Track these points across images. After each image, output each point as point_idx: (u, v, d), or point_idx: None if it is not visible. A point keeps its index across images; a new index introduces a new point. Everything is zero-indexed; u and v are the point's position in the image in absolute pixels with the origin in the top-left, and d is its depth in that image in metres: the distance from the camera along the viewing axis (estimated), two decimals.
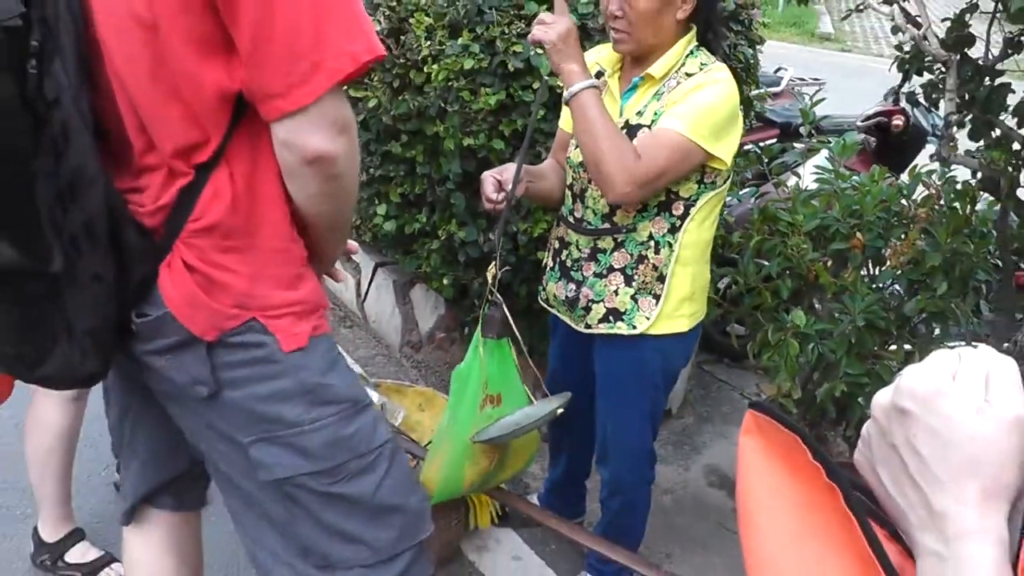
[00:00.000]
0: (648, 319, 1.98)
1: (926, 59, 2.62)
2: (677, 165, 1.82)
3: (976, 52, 2.54)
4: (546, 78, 2.07)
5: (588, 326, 2.05)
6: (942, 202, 2.43)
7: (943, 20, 2.61)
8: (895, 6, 2.64)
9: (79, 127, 1.18)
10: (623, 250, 1.97)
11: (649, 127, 1.88)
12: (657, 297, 1.98)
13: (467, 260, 2.88)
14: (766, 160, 2.93)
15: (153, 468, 1.64)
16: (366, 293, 3.77)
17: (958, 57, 2.48)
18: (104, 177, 1.23)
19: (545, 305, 2.20)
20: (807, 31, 13.88)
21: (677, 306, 2.00)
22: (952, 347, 0.60)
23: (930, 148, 3.54)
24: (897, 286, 2.45)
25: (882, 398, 0.61)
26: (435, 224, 2.93)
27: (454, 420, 1.98)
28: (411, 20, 2.65)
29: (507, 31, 2.51)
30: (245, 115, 1.24)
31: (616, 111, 1.96)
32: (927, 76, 2.70)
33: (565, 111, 2.12)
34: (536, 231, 2.67)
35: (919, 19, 2.58)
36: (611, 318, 2.01)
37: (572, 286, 2.05)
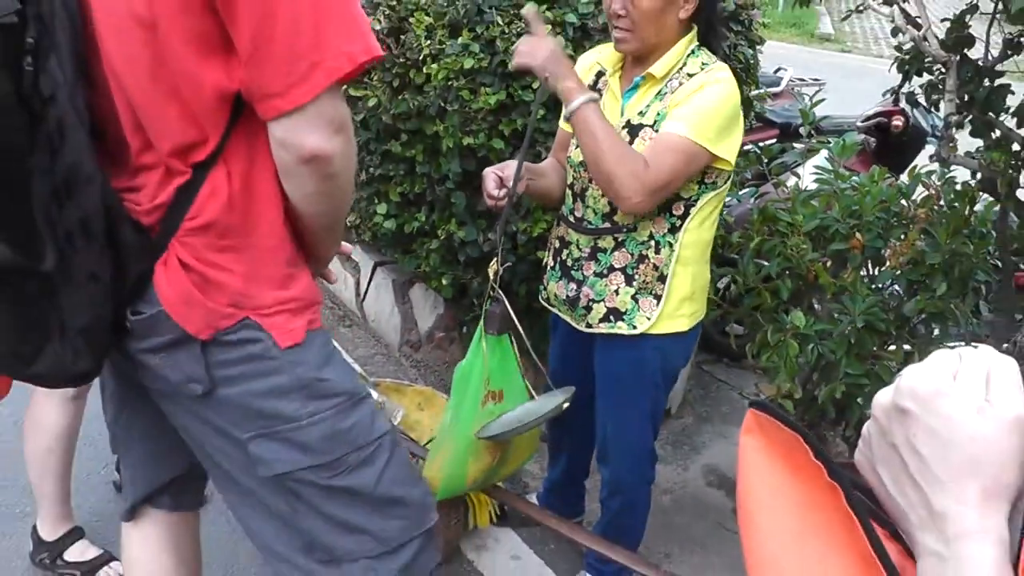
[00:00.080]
0: (649, 319, 1.98)
1: (926, 60, 2.63)
2: (685, 169, 1.83)
3: (976, 53, 2.54)
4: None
5: (589, 325, 2.05)
6: (942, 203, 2.43)
7: (943, 21, 2.62)
8: (895, 7, 2.64)
9: (75, 124, 1.18)
10: (623, 250, 1.97)
11: (651, 127, 1.88)
12: (658, 297, 1.98)
13: (466, 259, 2.88)
14: (766, 160, 2.93)
15: (151, 468, 1.64)
16: (365, 292, 3.77)
17: (958, 58, 2.48)
18: (101, 175, 1.23)
19: (546, 304, 2.20)
20: (807, 31, 13.88)
21: (677, 306, 2.00)
22: (952, 347, 0.60)
23: (930, 149, 3.54)
24: (897, 286, 2.45)
25: (883, 398, 0.61)
26: (434, 223, 2.93)
27: (457, 417, 1.98)
28: (411, 19, 2.65)
29: (507, 30, 2.51)
30: (243, 114, 1.24)
31: (617, 110, 1.96)
32: (927, 77, 2.71)
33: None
34: (536, 230, 2.67)
35: (919, 20, 2.58)
36: (611, 318, 2.01)
37: (573, 285, 2.05)
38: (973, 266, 2.27)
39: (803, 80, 5.48)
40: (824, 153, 2.77)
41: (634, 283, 1.98)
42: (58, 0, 1.16)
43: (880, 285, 2.46)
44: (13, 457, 2.67)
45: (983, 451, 0.55)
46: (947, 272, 2.26)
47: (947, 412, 0.57)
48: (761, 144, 3.29)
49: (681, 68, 1.90)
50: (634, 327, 1.99)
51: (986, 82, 2.50)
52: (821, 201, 2.48)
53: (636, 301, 1.98)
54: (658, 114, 1.88)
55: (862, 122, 4.53)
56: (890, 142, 4.45)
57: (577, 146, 1.99)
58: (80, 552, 2.33)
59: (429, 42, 2.58)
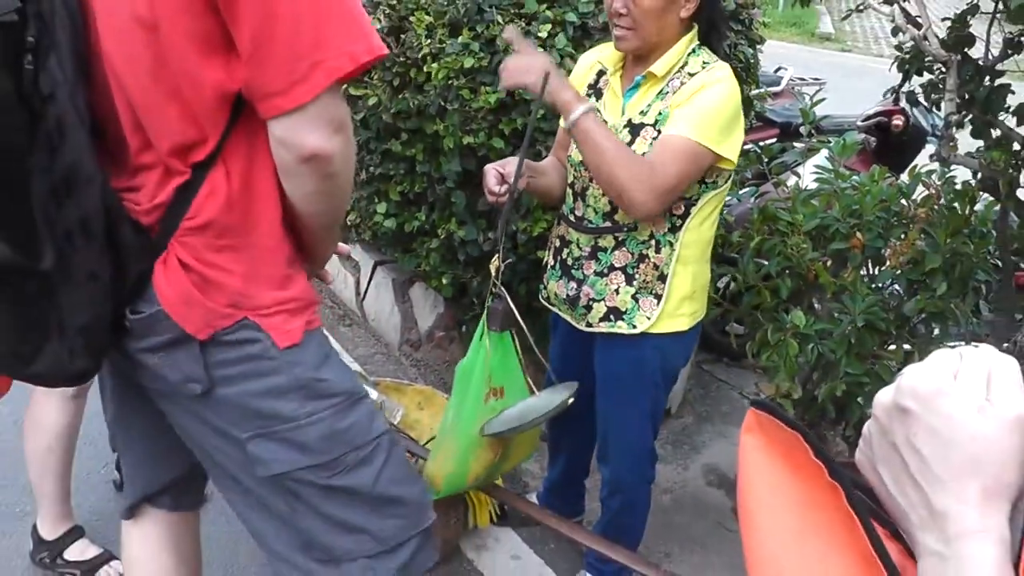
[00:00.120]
0: (649, 319, 1.98)
1: (926, 59, 2.63)
2: (691, 170, 1.83)
3: (976, 52, 2.54)
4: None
5: (589, 324, 2.05)
6: (942, 202, 2.43)
7: (943, 20, 2.62)
8: (895, 6, 2.64)
9: (75, 123, 1.18)
10: (624, 249, 1.97)
11: (652, 126, 1.88)
12: (658, 296, 1.98)
13: (466, 259, 2.88)
14: (766, 160, 2.93)
15: (151, 468, 1.64)
16: (365, 291, 3.77)
17: (958, 57, 2.48)
18: (101, 175, 1.23)
19: (546, 304, 2.20)
20: (807, 31, 13.88)
21: (678, 305, 2.00)
22: (953, 347, 0.60)
23: (930, 148, 3.54)
24: (897, 286, 2.46)
25: (883, 397, 0.60)
26: (434, 222, 2.93)
27: (459, 414, 1.98)
28: (411, 18, 2.65)
29: None
30: (243, 114, 1.24)
31: (619, 109, 1.96)
32: (927, 76, 2.71)
33: None
34: (536, 230, 2.67)
35: (919, 19, 2.58)
36: (612, 317, 2.01)
37: (573, 284, 2.05)
38: (973, 266, 2.27)
39: (803, 79, 5.48)
40: (824, 152, 2.77)
41: (634, 282, 1.98)
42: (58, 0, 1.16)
43: (880, 284, 2.46)
44: (13, 456, 2.67)
45: (984, 450, 0.55)
46: (947, 272, 2.26)
47: (948, 411, 0.56)
48: (761, 143, 3.29)
49: (682, 67, 1.90)
50: (634, 326, 1.99)
51: (986, 81, 2.50)
52: (821, 200, 2.48)
53: (636, 300, 1.98)
54: (659, 113, 1.88)
55: (862, 121, 4.53)
56: (890, 141, 4.46)
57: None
58: (80, 551, 2.33)
59: (429, 41, 2.58)
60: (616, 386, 2.11)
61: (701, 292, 2.06)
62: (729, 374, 3.62)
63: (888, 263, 2.42)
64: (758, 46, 3.06)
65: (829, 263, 2.45)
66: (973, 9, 2.51)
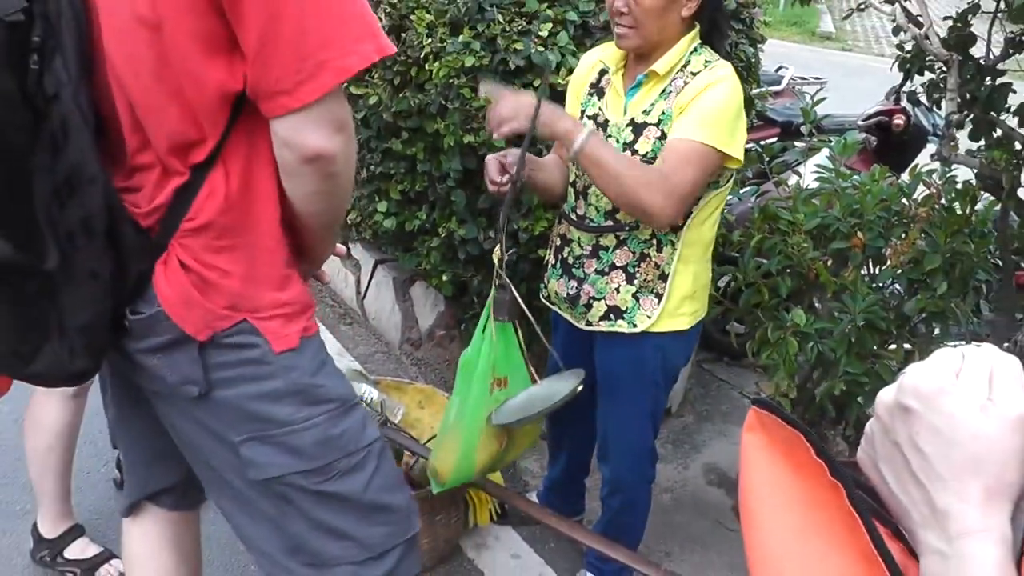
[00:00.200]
0: (650, 318, 1.98)
1: (927, 58, 2.63)
2: (704, 173, 1.84)
3: (977, 52, 2.54)
4: (552, 70, 2.07)
5: (589, 323, 2.05)
6: (943, 202, 2.43)
7: (944, 19, 2.62)
8: (896, 5, 2.64)
9: (79, 124, 1.18)
10: (625, 248, 1.97)
11: (656, 125, 1.88)
12: (659, 296, 1.98)
13: (467, 257, 2.88)
14: (767, 159, 2.93)
15: (150, 469, 1.64)
16: (366, 290, 3.77)
17: (959, 57, 2.48)
18: (103, 175, 1.23)
19: (547, 302, 2.20)
20: (808, 30, 13.87)
21: (678, 304, 2.00)
22: (955, 346, 0.60)
23: (931, 148, 3.54)
24: (897, 285, 2.46)
25: (885, 396, 0.60)
26: (435, 221, 2.93)
27: (464, 405, 1.98)
28: (412, 17, 2.65)
29: (508, 29, 2.51)
30: (242, 114, 1.23)
31: (620, 108, 1.96)
32: (928, 75, 2.71)
33: (567, 107, 2.12)
34: (537, 229, 2.67)
35: (920, 18, 2.58)
36: (612, 316, 2.01)
37: (574, 283, 2.05)
38: (974, 265, 2.27)
39: (804, 79, 5.48)
40: (825, 152, 2.77)
41: (635, 281, 1.98)
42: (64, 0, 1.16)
43: (881, 284, 2.46)
44: (13, 454, 2.67)
45: (986, 449, 0.55)
46: (948, 271, 2.26)
47: (950, 410, 0.56)
48: (762, 142, 3.29)
49: (685, 66, 1.90)
50: (634, 325, 1.99)
51: (988, 81, 2.50)
52: (822, 200, 2.48)
53: (637, 299, 1.98)
54: (663, 113, 1.88)
55: (863, 121, 4.53)
56: (891, 141, 4.45)
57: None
58: (80, 550, 2.33)
59: (430, 40, 2.58)
60: (616, 385, 2.11)
61: (702, 291, 2.06)
62: (729, 373, 3.62)
63: (889, 262, 2.42)
64: (759, 45, 3.06)
65: (830, 262, 2.45)
66: (974, 8, 2.51)
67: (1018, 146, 2.46)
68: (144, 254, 1.28)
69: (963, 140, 2.58)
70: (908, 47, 2.70)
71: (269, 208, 1.30)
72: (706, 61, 1.90)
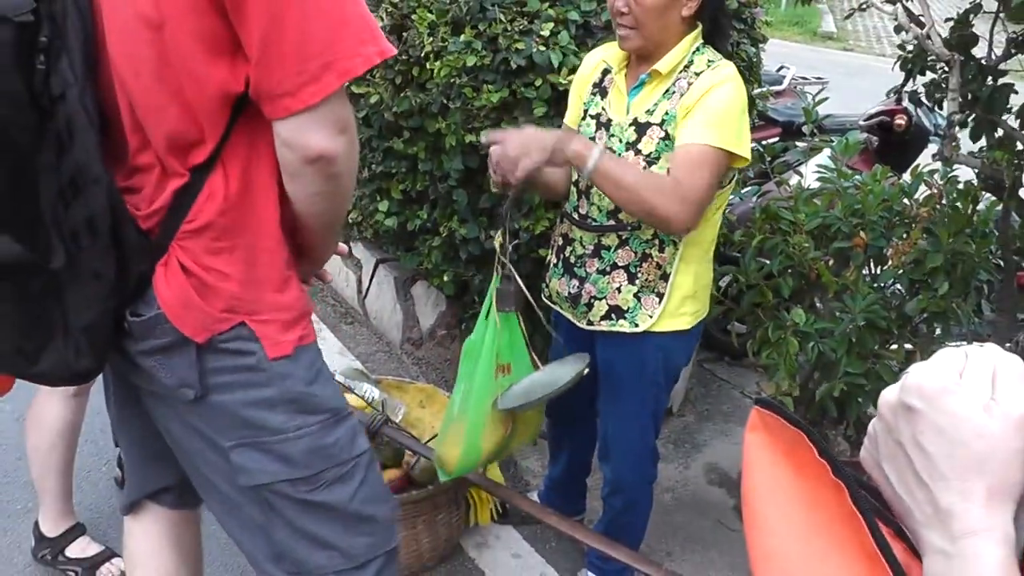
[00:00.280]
0: (651, 317, 1.98)
1: (929, 58, 2.62)
2: (716, 175, 1.85)
3: (979, 52, 2.54)
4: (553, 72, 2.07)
5: (590, 323, 2.05)
6: (944, 202, 2.43)
7: (946, 20, 2.61)
8: (898, 5, 2.63)
9: (84, 124, 1.18)
10: (627, 247, 1.97)
11: (660, 126, 1.89)
12: (660, 295, 1.98)
13: (468, 257, 2.88)
14: (768, 159, 2.93)
15: (150, 469, 1.64)
16: (367, 289, 3.78)
17: (961, 57, 2.48)
18: (107, 175, 1.23)
19: (548, 302, 2.20)
20: (809, 30, 13.87)
21: (680, 304, 2.00)
22: (958, 345, 0.60)
23: (932, 148, 3.54)
24: (899, 285, 2.45)
25: (889, 395, 0.60)
26: (436, 221, 2.93)
27: (470, 390, 1.99)
28: (413, 17, 2.65)
29: (510, 28, 2.51)
30: (243, 115, 1.23)
31: (623, 107, 1.96)
32: (930, 75, 2.70)
33: (571, 107, 2.12)
34: (538, 228, 2.67)
35: (922, 18, 2.58)
36: (613, 315, 2.01)
37: (575, 282, 2.05)
38: (975, 265, 2.27)
39: (805, 78, 5.49)
40: (827, 152, 2.77)
41: (636, 281, 1.98)
42: (70, 0, 1.16)
43: (882, 284, 2.46)
44: (15, 453, 2.67)
45: (989, 449, 0.55)
46: (949, 271, 2.25)
47: (953, 410, 0.56)
48: (764, 142, 3.29)
49: (688, 66, 1.90)
50: (636, 325, 1.99)
51: (989, 81, 2.49)
52: (823, 200, 2.48)
53: (638, 299, 1.98)
54: (666, 113, 1.88)
55: (864, 121, 4.53)
56: (893, 141, 4.46)
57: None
58: (81, 548, 2.33)
59: (431, 39, 2.58)
60: (618, 385, 2.11)
61: (703, 291, 2.07)
62: (730, 373, 3.62)
63: (890, 262, 2.42)
64: (760, 45, 3.06)
65: (831, 262, 2.45)
66: (976, 8, 2.51)
67: (1019, 146, 2.45)
68: (145, 255, 1.28)
69: (964, 140, 2.57)
70: (910, 47, 2.70)
71: (269, 209, 1.30)
72: (709, 61, 1.90)
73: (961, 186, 2.45)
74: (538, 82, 2.51)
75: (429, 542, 2.39)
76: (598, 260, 2.01)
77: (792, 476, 0.67)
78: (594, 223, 2.00)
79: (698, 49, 1.92)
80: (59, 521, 2.31)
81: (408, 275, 3.49)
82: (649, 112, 1.91)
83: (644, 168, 1.90)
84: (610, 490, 2.26)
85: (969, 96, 2.52)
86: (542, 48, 2.48)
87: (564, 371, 2.02)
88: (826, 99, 2.92)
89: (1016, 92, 2.50)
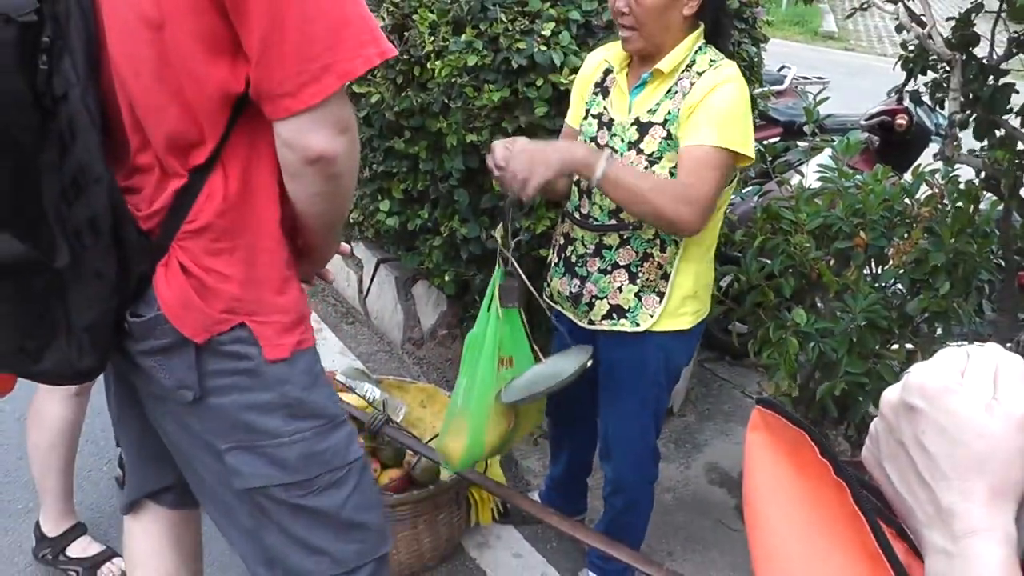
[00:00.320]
0: (652, 316, 1.98)
1: (930, 58, 2.62)
2: (724, 176, 1.85)
3: (981, 51, 2.54)
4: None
5: (591, 322, 2.05)
6: (945, 201, 2.43)
7: (947, 19, 2.61)
8: (899, 5, 2.63)
9: (86, 124, 1.18)
10: (628, 247, 1.97)
11: (662, 125, 1.89)
12: (661, 295, 1.98)
13: (469, 256, 2.88)
14: (769, 158, 2.93)
15: (150, 469, 1.65)
16: (368, 289, 3.78)
17: (962, 56, 2.48)
18: (108, 175, 1.23)
19: (549, 301, 2.20)
20: (811, 29, 13.87)
21: (680, 304, 2.00)
22: (960, 345, 0.60)
23: (934, 147, 3.53)
24: (900, 285, 2.45)
25: (890, 395, 0.60)
26: (437, 220, 2.93)
27: (473, 384, 1.99)
28: (414, 16, 2.65)
29: (511, 28, 2.51)
30: (243, 116, 1.23)
31: (625, 107, 1.96)
32: (931, 75, 2.70)
33: (572, 106, 2.12)
34: (539, 228, 2.67)
35: (923, 18, 2.58)
36: (614, 315, 2.01)
37: (576, 282, 2.05)
38: (976, 265, 2.27)
39: (807, 78, 5.48)
40: (828, 151, 2.77)
41: (638, 280, 1.98)
42: (73, 0, 1.16)
43: (883, 284, 2.46)
44: (16, 453, 2.68)
45: (991, 449, 0.55)
46: (950, 271, 2.25)
47: (955, 409, 0.56)
48: (765, 142, 3.29)
49: (690, 66, 1.90)
50: (637, 324, 1.99)
51: (990, 80, 2.49)
52: (825, 199, 2.48)
53: (639, 298, 1.98)
54: (669, 113, 1.88)
55: (866, 120, 4.52)
56: (894, 141, 4.45)
57: (585, 143, 2.00)
58: (82, 548, 2.33)
59: (433, 39, 2.58)
60: (619, 384, 2.11)
61: (704, 291, 2.07)
62: (731, 373, 3.62)
63: (891, 262, 2.42)
64: (762, 45, 3.06)
65: (832, 262, 2.45)
66: (977, 8, 2.51)
67: (1021, 146, 2.45)
68: (145, 255, 1.28)
69: (966, 140, 2.57)
70: (911, 47, 2.70)
71: (269, 209, 1.30)
72: (711, 60, 1.90)
73: (962, 186, 2.44)
74: (539, 82, 2.51)
75: (430, 542, 2.39)
76: (599, 259, 2.01)
77: (794, 476, 0.67)
78: (595, 222, 2.00)
79: (700, 49, 1.92)
80: (60, 521, 2.32)
81: (409, 275, 3.49)
82: (651, 111, 1.91)
83: (647, 168, 1.90)
84: (611, 490, 2.26)
85: (970, 96, 2.52)
86: (543, 48, 2.48)
87: (567, 363, 2.02)
88: (827, 99, 2.92)
89: (1017, 92, 2.50)
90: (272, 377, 1.34)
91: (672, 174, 1.89)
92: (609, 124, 1.98)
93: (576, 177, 2.06)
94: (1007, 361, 0.58)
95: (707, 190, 1.81)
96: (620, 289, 1.99)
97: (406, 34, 2.68)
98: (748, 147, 1.86)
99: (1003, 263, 2.47)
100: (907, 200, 2.43)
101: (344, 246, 1.64)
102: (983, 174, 2.51)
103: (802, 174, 3.24)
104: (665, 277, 1.98)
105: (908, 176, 2.54)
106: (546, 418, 2.44)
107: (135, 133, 1.25)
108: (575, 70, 2.38)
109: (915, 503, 0.58)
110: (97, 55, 1.21)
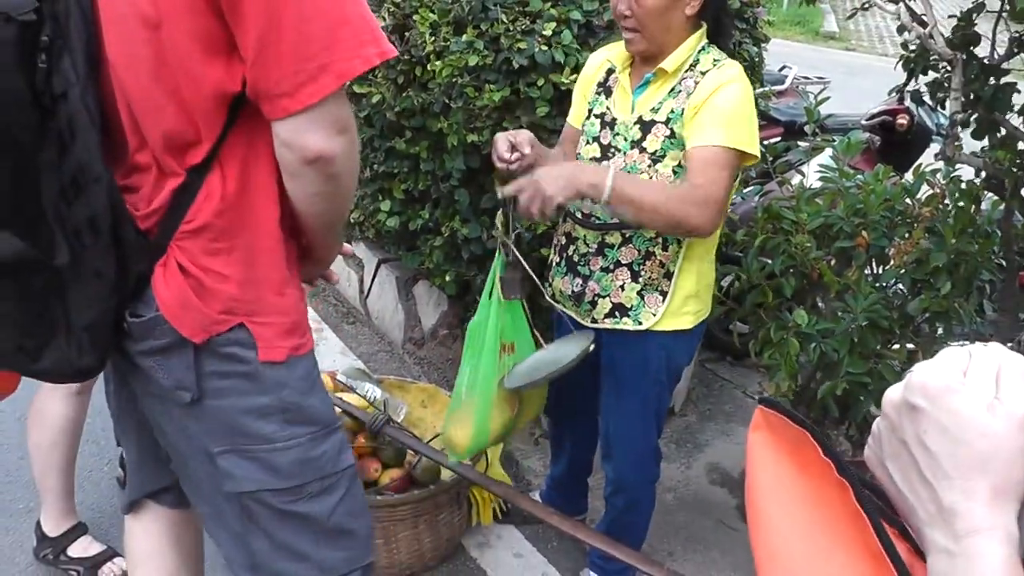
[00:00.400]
0: (654, 315, 1.98)
1: (931, 58, 2.62)
2: (732, 175, 1.85)
3: (982, 51, 2.53)
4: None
5: (594, 320, 2.05)
6: (946, 201, 2.43)
7: (949, 18, 2.61)
8: (901, 5, 2.63)
9: (86, 123, 1.18)
10: (631, 245, 1.97)
11: (665, 124, 1.89)
12: (664, 294, 1.98)
13: (470, 256, 2.88)
14: (770, 158, 2.93)
15: (152, 468, 1.65)
16: (369, 289, 3.78)
17: (963, 56, 2.48)
18: (107, 174, 1.23)
19: (551, 301, 2.20)
20: (812, 29, 13.86)
21: (683, 303, 2.00)
22: (962, 345, 0.60)
23: (935, 147, 3.53)
24: (901, 285, 2.45)
25: (893, 394, 0.60)
26: (438, 220, 2.93)
27: (476, 371, 1.99)
28: (415, 16, 2.65)
29: (512, 28, 2.51)
30: (240, 115, 1.23)
31: (628, 106, 1.96)
32: (932, 75, 2.70)
33: (574, 106, 2.12)
34: (540, 228, 2.67)
35: (925, 18, 2.58)
36: (617, 313, 2.01)
37: (579, 280, 2.05)
38: (978, 265, 2.27)
39: (808, 78, 5.49)
40: (829, 151, 2.76)
41: (640, 279, 1.98)
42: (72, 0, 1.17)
43: (884, 284, 2.46)
44: (17, 453, 2.68)
45: (993, 448, 0.55)
46: (951, 271, 2.25)
47: (957, 409, 0.56)
48: (766, 142, 3.29)
49: (694, 65, 1.90)
50: (639, 323, 1.99)
51: (992, 80, 2.49)
52: (825, 199, 2.48)
53: (642, 297, 1.99)
54: (672, 111, 1.88)
55: (867, 120, 4.53)
56: (895, 140, 4.45)
57: (588, 143, 2.00)
58: (83, 548, 2.33)
59: (433, 39, 2.58)
60: (620, 383, 2.11)
61: (706, 291, 2.07)
62: (732, 373, 3.62)
63: (892, 262, 2.42)
64: (762, 44, 3.06)
65: (833, 262, 2.45)
66: (979, 7, 2.51)
67: (1022, 146, 2.45)
68: (143, 255, 1.28)
69: (967, 140, 2.57)
70: (912, 46, 2.70)
71: (268, 209, 1.30)
72: (715, 60, 1.90)
73: (964, 186, 2.44)
74: (540, 82, 2.51)
75: (431, 542, 2.39)
76: (602, 258, 2.01)
77: (796, 475, 0.67)
78: (597, 221, 2.00)
79: (704, 48, 1.92)
80: (61, 520, 2.32)
81: (410, 275, 3.50)
82: (654, 110, 1.91)
83: (650, 166, 1.90)
84: (612, 489, 2.26)
85: (971, 95, 2.52)
86: (544, 48, 2.48)
87: (569, 348, 2.02)
88: (828, 99, 2.92)
89: (1019, 91, 2.49)
90: (270, 381, 1.33)
91: (675, 173, 1.89)
92: (612, 123, 1.98)
93: None
94: (1009, 361, 0.58)
95: (718, 190, 1.81)
96: (623, 288, 1.99)
97: (407, 34, 2.68)
98: (754, 146, 1.86)
99: (1004, 263, 2.47)
100: (908, 200, 2.43)
101: (347, 247, 1.64)
102: (984, 174, 2.50)
103: (803, 174, 3.23)
104: (668, 276, 1.98)
105: (909, 176, 2.54)
106: (547, 418, 2.44)
107: (133, 132, 1.25)
108: (576, 70, 2.38)
109: (917, 502, 0.58)
110: (97, 54, 1.21)
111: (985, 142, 2.55)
